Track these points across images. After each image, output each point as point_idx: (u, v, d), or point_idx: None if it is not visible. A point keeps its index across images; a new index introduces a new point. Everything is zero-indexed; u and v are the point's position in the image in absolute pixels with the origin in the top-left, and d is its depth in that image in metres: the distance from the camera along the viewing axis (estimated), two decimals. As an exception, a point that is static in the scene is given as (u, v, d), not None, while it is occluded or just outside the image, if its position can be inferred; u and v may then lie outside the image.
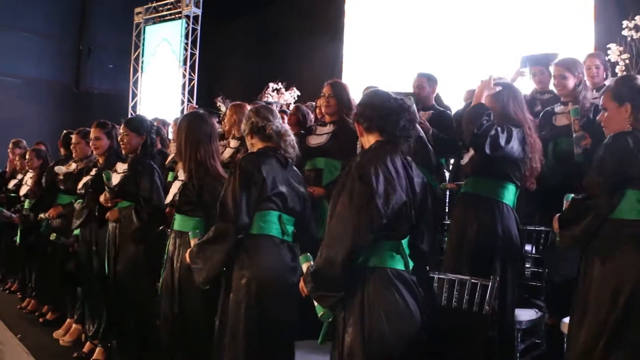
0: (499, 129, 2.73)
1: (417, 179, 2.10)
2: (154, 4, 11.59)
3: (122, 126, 3.81)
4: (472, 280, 2.54)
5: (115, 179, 3.72)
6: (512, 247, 2.87)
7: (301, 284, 2.16)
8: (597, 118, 2.50)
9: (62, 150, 5.47)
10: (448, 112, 4.45)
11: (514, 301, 2.91)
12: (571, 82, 3.77)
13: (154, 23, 11.71)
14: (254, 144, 2.80)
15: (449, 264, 2.91)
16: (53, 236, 4.33)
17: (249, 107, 4.69)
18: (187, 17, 11.09)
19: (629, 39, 5.16)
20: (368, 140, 2.19)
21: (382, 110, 2.13)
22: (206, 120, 3.12)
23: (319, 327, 2.25)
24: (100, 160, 4.20)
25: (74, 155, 4.72)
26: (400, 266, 2.05)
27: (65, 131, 5.47)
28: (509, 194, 2.92)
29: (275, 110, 2.86)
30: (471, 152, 3.05)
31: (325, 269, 2.01)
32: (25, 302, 5.58)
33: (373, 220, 1.94)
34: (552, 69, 4.16)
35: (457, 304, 2.56)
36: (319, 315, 2.16)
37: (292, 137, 2.79)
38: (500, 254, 2.81)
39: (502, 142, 2.74)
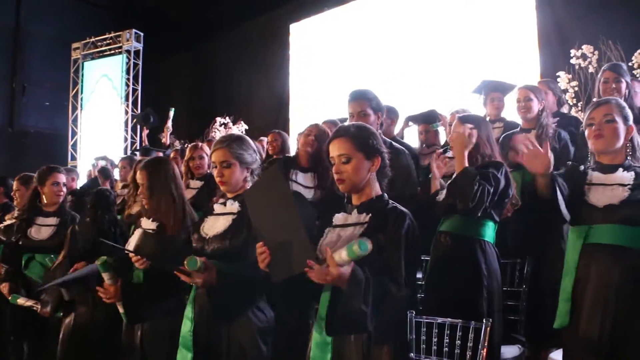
0: (487, 188, 2.65)
1: None
2: (93, 39, 11.18)
3: None
4: (464, 324, 2.41)
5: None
6: (496, 284, 2.77)
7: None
8: (594, 129, 2.40)
9: None
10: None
11: (500, 340, 2.81)
12: (536, 106, 3.81)
13: (93, 58, 11.30)
14: None
15: (430, 306, 2.77)
16: None
17: (206, 147, 4.53)
18: (128, 52, 10.77)
19: (576, 67, 5.34)
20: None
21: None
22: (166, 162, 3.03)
23: None
24: None
25: (15, 204, 4.38)
26: None
27: None
28: (489, 231, 2.84)
29: None
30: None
31: None
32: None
33: None
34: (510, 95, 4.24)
35: (449, 349, 2.43)
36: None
37: None
38: (485, 293, 2.70)
39: (489, 199, 2.68)
